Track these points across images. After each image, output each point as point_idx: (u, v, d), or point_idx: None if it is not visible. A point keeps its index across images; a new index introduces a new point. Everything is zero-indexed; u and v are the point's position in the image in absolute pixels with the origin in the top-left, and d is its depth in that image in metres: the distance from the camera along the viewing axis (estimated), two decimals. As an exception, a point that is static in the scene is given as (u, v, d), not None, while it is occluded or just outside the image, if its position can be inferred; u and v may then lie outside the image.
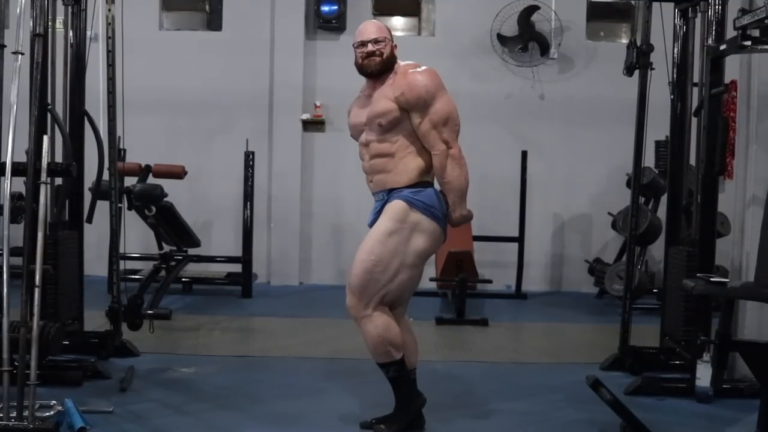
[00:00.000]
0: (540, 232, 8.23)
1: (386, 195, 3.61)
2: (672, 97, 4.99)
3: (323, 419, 3.92)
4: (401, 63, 3.68)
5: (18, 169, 3.66)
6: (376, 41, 3.61)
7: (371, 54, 3.62)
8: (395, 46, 3.70)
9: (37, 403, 3.49)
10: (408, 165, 3.59)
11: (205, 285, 7.65)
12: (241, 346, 5.63)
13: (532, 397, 4.44)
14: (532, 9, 8.01)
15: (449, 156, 3.55)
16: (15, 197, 5.01)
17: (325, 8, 8.05)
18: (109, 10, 4.87)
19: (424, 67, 3.64)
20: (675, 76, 4.96)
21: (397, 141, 3.59)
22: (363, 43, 3.64)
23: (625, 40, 8.04)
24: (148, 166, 6.88)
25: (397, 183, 3.58)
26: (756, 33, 3.81)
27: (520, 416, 4.09)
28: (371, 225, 3.67)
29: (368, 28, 3.69)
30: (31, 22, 3.94)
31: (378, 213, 3.64)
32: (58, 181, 4.49)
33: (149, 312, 5.25)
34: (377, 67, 3.63)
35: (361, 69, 3.68)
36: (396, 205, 3.56)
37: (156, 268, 6.74)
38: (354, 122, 3.77)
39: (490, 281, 7.47)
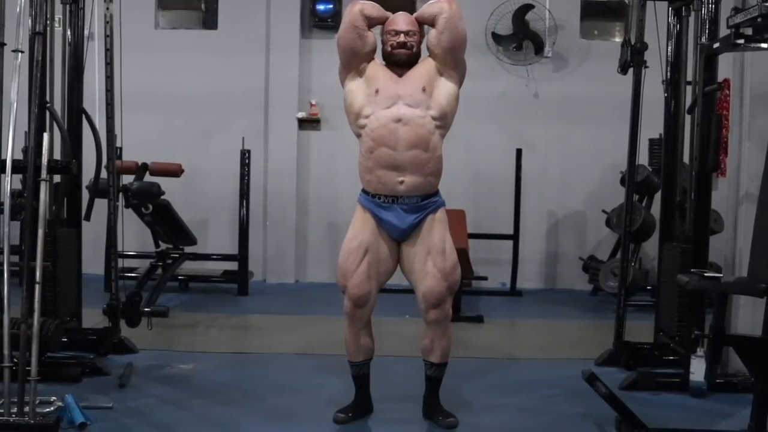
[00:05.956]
0: (535, 230, 8.25)
1: (420, 201, 3.66)
2: (666, 95, 5.02)
3: (320, 414, 3.94)
4: None
5: (18, 167, 3.67)
6: (408, 33, 3.68)
7: (402, 45, 3.68)
8: (421, 41, 3.76)
9: (37, 399, 3.51)
10: (439, 168, 3.69)
11: (201, 283, 7.66)
12: (238, 343, 5.66)
13: (527, 393, 4.48)
14: (527, 8, 8.03)
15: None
16: (14, 194, 5.01)
17: (321, 7, 8.07)
18: (107, 8, 4.89)
19: None
20: (669, 74, 4.99)
21: (433, 127, 3.61)
22: (397, 32, 3.69)
23: (619, 39, 8.05)
24: (145, 164, 6.88)
25: (433, 188, 3.70)
26: (749, 31, 3.84)
27: (516, 411, 4.14)
28: (400, 234, 3.68)
29: (403, 19, 3.73)
30: (30, 21, 3.97)
31: (416, 223, 3.67)
32: (56, 179, 4.51)
33: (146, 309, 5.26)
34: (405, 59, 3.69)
35: (389, 56, 3.72)
36: (443, 215, 3.75)
37: (153, 266, 6.76)
38: (391, 92, 3.63)
39: (485, 278, 7.51)
